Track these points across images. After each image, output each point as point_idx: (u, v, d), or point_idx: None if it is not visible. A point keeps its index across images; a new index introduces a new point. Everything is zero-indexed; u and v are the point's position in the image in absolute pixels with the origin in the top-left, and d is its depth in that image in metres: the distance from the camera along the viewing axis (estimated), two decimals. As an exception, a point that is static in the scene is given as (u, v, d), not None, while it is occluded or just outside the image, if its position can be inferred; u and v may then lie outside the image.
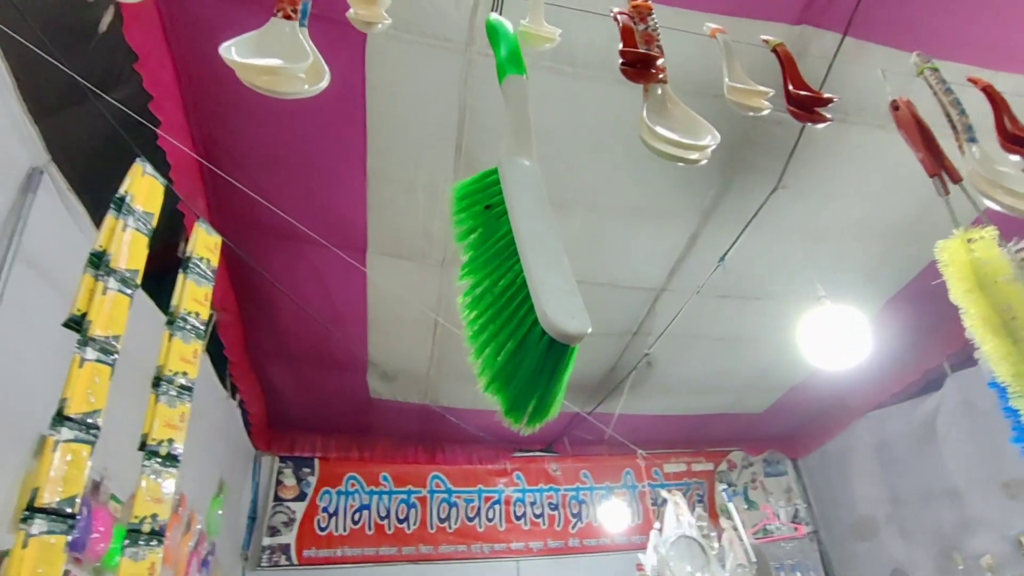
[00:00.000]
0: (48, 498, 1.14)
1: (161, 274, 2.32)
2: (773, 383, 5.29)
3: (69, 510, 1.18)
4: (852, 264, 3.76)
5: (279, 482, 5.40)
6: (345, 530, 5.39)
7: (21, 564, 1.10)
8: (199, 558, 3.48)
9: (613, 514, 5.67)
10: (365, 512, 5.50)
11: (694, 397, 5.40)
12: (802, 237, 3.54)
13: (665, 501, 4.25)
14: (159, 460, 1.61)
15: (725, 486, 5.43)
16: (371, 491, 5.60)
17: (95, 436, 1.33)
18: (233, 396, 4.16)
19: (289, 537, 5.23)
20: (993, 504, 4.51)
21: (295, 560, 5.18)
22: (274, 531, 5.22)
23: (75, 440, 1.24)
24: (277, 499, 5.34)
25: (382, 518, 5.51)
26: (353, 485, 5.57)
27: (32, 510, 1.13)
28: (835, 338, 3.08)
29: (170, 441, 1.66)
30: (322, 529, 5.35)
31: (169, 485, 1.73)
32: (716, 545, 4.00)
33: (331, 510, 5.43)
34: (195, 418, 3.36)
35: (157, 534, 1.54)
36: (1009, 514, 4.40)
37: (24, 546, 1.11)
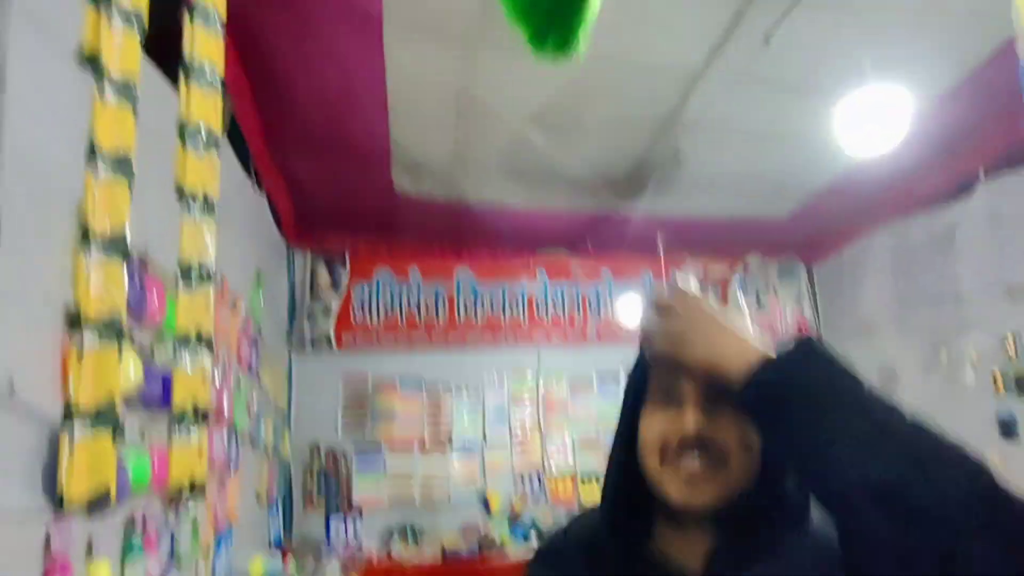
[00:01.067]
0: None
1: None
2: (801, 186, 5.23)
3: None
4: (905, 54, 3.54)
5: (314, 276, 5.71)
6: (379, 321, 5.79)
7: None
8: (248, 338, 3.77)
9: (628, 308, 5.93)
10: (396, 304, 5.86)
11: (719, 198, 5.36)
12: (856, 19, 3.28)
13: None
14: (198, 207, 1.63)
15: (738, 281, 5.60)
16: (401, 285, 5.91)
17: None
18: (260, 188, 4.23)
19: (327, 326, 5.66)
20: (992, 306, 4.70)
21: (335, 346, 5.66)
22: (314, 320, 5.64)
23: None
24: (313, 291, 5.69)
25: (412, 309, 5.89)
26: (384, 278, 5.88)
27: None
28: (874, 122, 2.99)
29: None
30: (357, 319, 5.75)
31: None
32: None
33: (364, 302, 5.78)
34: (226, 208, 3.48)
35: (204, 278, 1.60)
36: (1005, 316, 4.60)
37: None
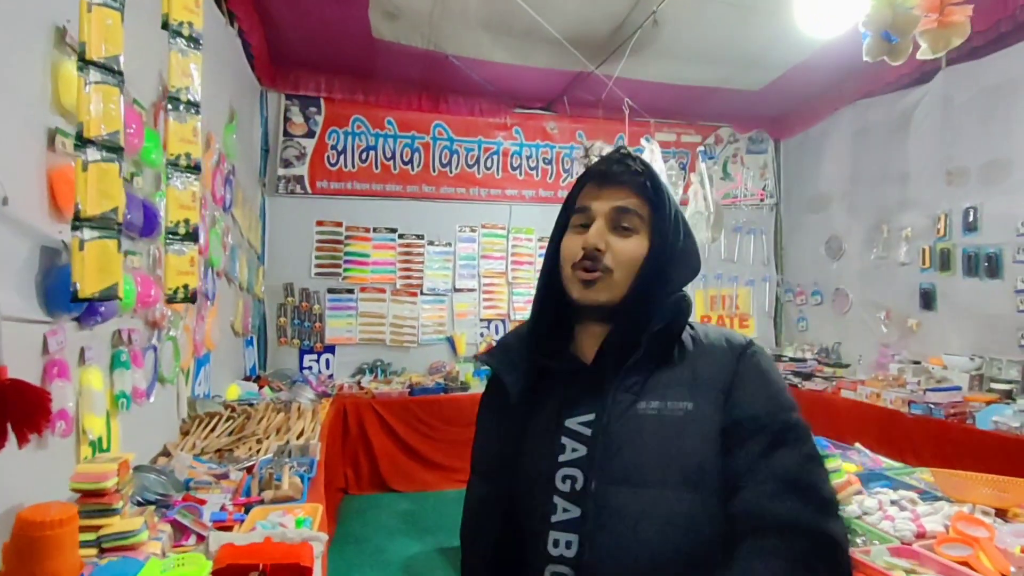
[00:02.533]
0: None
1: None
2: (776, 60, 5.24)
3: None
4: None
5: (287, 119, 5.64)
6: (354, 167, 5.82)
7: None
8: (222, 175, 3.83)
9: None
10: (372, 152, 5.87)
11: (696, 66, 5.36)
12: None
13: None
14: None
15: (703, 150, 5.70)
16: (377, 133, 5.87)
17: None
18: (232, 24, 4.11)
19: (302, 169, 5.68)
20: (932, 188, 5.03)
21: (309, 190, 5.70)
22: (287, 163, 5.64)
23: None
24: (287, 134, 5.64)
25: (388, 159, 5.91)
26: (359, 127, 5.83)
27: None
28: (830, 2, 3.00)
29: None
30: (332, 164, 5.76)
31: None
32: (679, 192, 4.48)
33: (339, 148, 5.78)
34: (200, 42, 3.42)
35: (191, 108, 1.67)
36: (940, 197, 4.93)
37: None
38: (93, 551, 1.55)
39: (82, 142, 1.20)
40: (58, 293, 1.82)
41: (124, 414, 2.36)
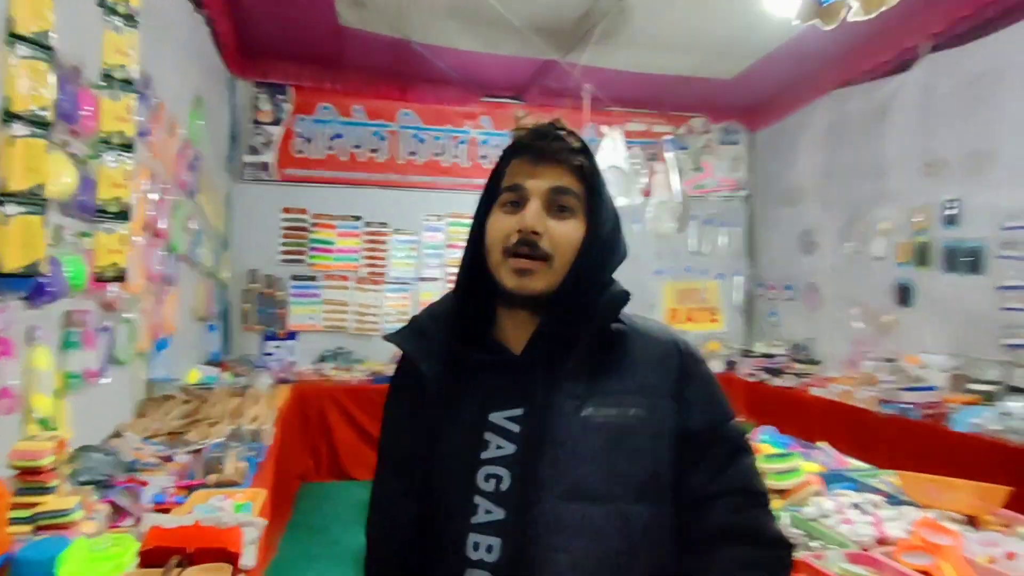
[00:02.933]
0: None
1: None
2: (749, 48, 5.19)
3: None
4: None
5: (256, 107, 5.64)
6: (321, 155, 5.83)
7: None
8: (186, 160, 3.83)
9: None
10: (339, 140, 5.88)
11: (665, 54, 5.34)
12: None
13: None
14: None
15: (670, 138, 5.70)
16: (344, 122, 5.89)
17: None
18: (199, 9, 4.10)
19: (268, 157, 5.68)
20: (909, 180, 4.90)
21: (276, 177, 5.72)
22: (254, 150, 5.65)
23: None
24: (255, 122, 5.64)
25: (355, 147, 5.92)
26: (327, 115, 5.84)
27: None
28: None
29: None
30: (299, 152, 5.77)
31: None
32: (644, 181, 4.57)
33: (306, 136, 5.79)
34: (161, 31, 3.41)
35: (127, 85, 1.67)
36: (919, 190, 4.80)
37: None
38: (28, 528, 1.58)
39: (9, 117, 1.22)
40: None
41: (75, 394, 2.38)
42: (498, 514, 0.91)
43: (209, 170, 4.60)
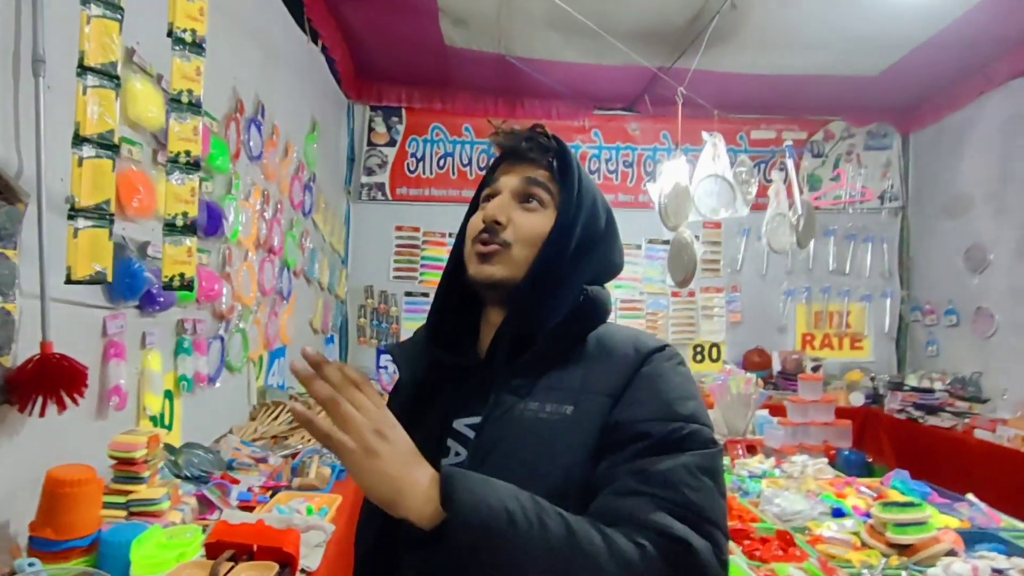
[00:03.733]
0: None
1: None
2: (899, 37, 4.55)
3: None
4: None
5: (371, 129, 5.93)
6: (432, 174, 6.01)
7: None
8: (301, 182, 4.07)
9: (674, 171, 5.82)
10: (449, 159, 6.03)
11: (794, 54, 4.88)
12: None
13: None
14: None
15: (790, 143, 5.25)
16: (454, 140, 6.04)
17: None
18: (315, 42, 4.37)
19: (383, 177, 5.94)
20: None
21: (389, 196, 5.96)
22: (370, 171, 5.93)
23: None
24: (370, 143, 5.93)
25: (464, 165, 6.06)
26: (438, 135, 6.02)
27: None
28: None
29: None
30: (411, 172, 5.99)
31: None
32: (751, 190, 4.25)
33: (419, 155, 6.00)
34: (280, 59, 3.66)
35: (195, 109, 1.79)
36: None
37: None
38: (122, 513, 1.71)
39: (79, 140, 1.35)
40: (120, 283, 2.03)
41: (187, 396, 2.57)
42: None
43: (326, 190, 4.87)
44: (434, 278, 5.96)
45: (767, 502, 2.48)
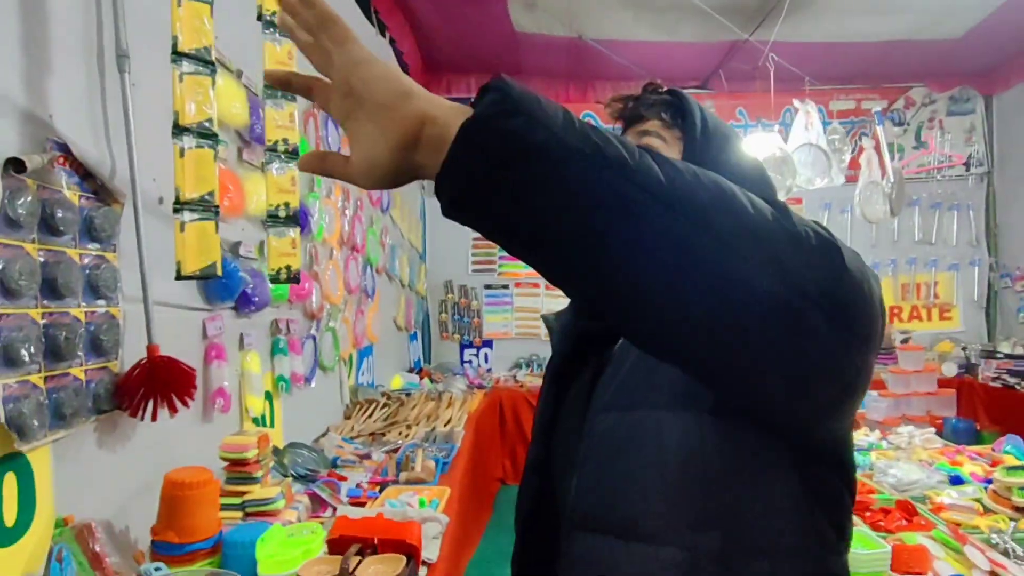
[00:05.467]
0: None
1: None
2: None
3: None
4: None
5: (443, 121, 5.90)
6: (505, 164, 5.94)
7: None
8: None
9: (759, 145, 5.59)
10: (523, 148, 5.95)
11: (873, 19, 4.71)
12: None
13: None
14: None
15: (879, 110, 4.97)
16: (527, 128, 5.95)
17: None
18: (383, 34, 4.35)
19: (457, 168, 5.92)
20: None
21: (464, 189, 5.93)
22: (442, 165, 5.91)
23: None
24: (443, 137, 5.90)
25: (537, 154, 5.96)
26: (512, 123, 5.95)
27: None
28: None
29: None
30: (485, 163, 5.94)
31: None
32: (846, 160, 4.03)
33: (491, 147, 5.94)
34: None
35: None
36: None
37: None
38: (238, 514, 1.69)
39: (178, 129, 1.31)
40: (216, 284, 2.02)
41: (285, 396, 2.57)
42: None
43: (402, 188, 4.86)
44: (513, 269, 5.94)
45: (881, 473, 2.41)
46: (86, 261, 1.44)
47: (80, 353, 1.41)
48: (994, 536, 1.76)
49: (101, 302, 1.47)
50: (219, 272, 1.39)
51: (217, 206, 1.38)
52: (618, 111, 1.01)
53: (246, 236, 2.23)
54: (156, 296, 1.57)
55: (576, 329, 0.96)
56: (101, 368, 1.48)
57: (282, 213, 1.59)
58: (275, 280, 1.63)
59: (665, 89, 0.99)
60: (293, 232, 1.61)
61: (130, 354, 1.57)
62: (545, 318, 1.06)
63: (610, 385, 0.84)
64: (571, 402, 0.92)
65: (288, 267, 1.60)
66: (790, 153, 3.79)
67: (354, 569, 1.25)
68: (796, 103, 3.95)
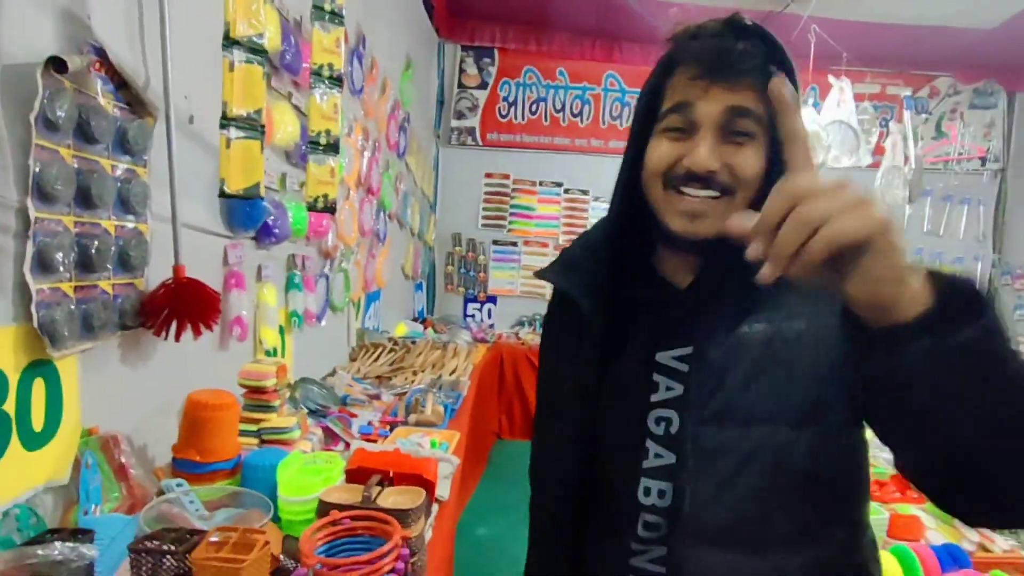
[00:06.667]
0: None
1: None
2: None
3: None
4: None
5: (462, 70, 5.79)
6: (523, 119, 5.86)
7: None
8: (396, 122, 3.99)
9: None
10: (542, 104, 5.87)
11: (910, 1, 4.63)
12: None
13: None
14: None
15: (908, 94, 4.91)
16: (547, 84, 5.86)
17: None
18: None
19: (473, 121, 5.82)
20: None
21: (479, 141, 5.85)
22: (460, 115, 5.81)
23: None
24: (461, 86, 5.79)
25: (557, 111, 5.88)
26: (531, 78, 5.85)
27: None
28: None
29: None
30: (503, 116, 5.85)
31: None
32: (871, 140, 4.02)
33: (510, 99, 5.84)
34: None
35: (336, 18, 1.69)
36: None
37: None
38: (255, 440, 1.70)
39: (229, 42, 1.26)
40: (240, 212, 2.00)
41: (297, 332, 2.56)
42: (669, 459, 0.85)
43: (418, 133, 4.79)
44: (523, 227, 5.91)
45: (878, 448, 2.42)
46: (118, 173, 1.41)
47: (109, 267, 1.39)
48: (982, 508, 1.83)
49: (131, 217, 1.45)
50: (262, 193, 1.36)
51: (263, 125, 1.34)
52: (704, 55, 0.82)
53: (269, 167, 2.19)
54: (183, 218, 1.55)
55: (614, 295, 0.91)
56: (127, 284, 1.47)
57: (323, 140, 1.56)
58: (312, 208, 1.60)
59: (767, 39, 0.83)
60: (333, 161, 1.58)
61: (155, 273, 1.55)
62: (546, 277, 0.98)
63: (716, 392, 0.82)
64: (626, 377, 0.90)
65: (326, 196, 1.57)
66: (819, 129, 3.74)
67: (376, 498, 1.25)
68: (831, 79, 3.88)
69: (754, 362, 0.81)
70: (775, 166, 0.80)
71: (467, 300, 5.86)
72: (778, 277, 0.71)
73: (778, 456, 0.79)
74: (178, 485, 1.33)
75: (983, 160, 6.08)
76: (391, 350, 3.38)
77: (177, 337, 1.54)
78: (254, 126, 1.33)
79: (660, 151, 0.84)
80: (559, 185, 5.93)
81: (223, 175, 1.31)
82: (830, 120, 3.80)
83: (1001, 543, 1.69)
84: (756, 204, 0.76)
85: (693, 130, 0.82)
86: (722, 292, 0.84)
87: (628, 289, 0.92)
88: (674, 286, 0.91)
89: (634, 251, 0.94)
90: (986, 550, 1.66)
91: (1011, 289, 5.91)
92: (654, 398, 0.87)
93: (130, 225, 1.45)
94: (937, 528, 1.78)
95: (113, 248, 1.39)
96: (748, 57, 0.80)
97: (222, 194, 1.33)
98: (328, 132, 1.58)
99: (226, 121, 1.29)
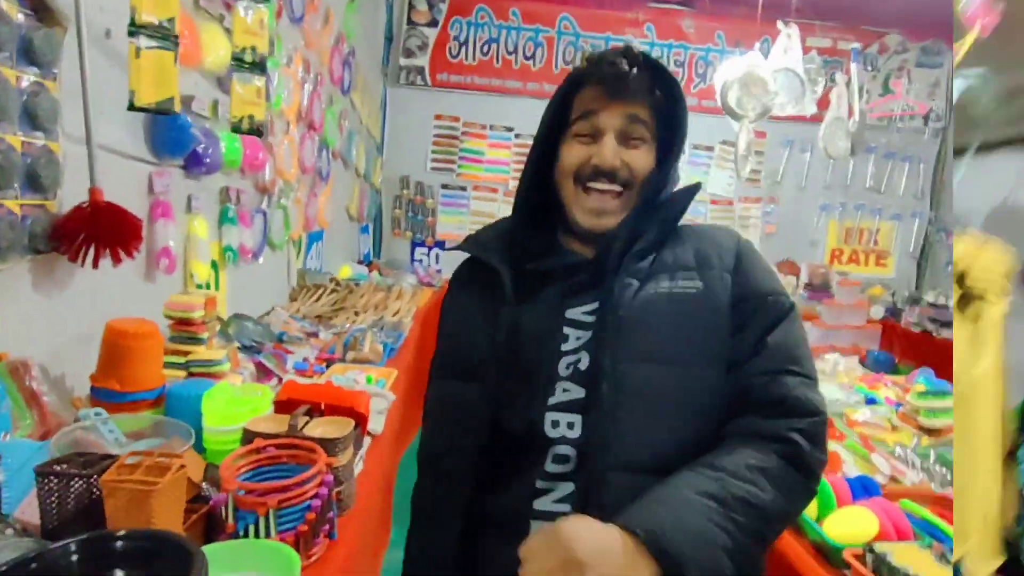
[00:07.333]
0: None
1: None
2: None
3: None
4: None
5: (412, 6, 5.59)
6: (474, 60, 5.72)
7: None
8: (340, 56, 3.84)
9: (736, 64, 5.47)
10: (494, 45, 5.72)
11: None
12: None
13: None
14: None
15: (857, 46, 4.96)
16: (500, 25, 5.71)
17: None
18: None
19: (423, 60, 5.66)
20: None
21: (429, 81, 5.69)
22: (409, 53, 5.63)
23: None
24: (410, 22, 5.60)
25: (509, 53, 5.75)
26: (483, 17, 5.69)
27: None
28: None
29: None
30: (453, 56, 5.69)
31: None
32: (817, 90, 4.07)
33: (461, 39, 5.68)
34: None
35: None
36: None
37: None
38: (182, 372, 1.65)
39: None
40: (166, 136, 1.89)
41: (232, 268, 2.48)
42: (576, 393, 0.94)
43: (364, 69, 4.62)
44: (473, 171, 5.82)
45: None
46: (24, 85, 1.31)
47: (16, 185, 1.31)
48: (898, 448, 1.96)
49: (39, 133, 1.36)
50: (177, 108, 1.29)
51: (177, 36, 1.26)
52: (609, 76, 0.99)
53: (200, 91, 2.08)
54: (100, 139, 1.46)
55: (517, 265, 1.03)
56: (38, 205, 1.38)
57: (248, 58, 1.47)
58: (236, 129, 1.52)
59: (657, 67, 1.02)
60: (259, 80, 1.50)
61: (70, 196, 1.46)
62: (469, 249, 1.10)
63: (633, 334, 0.93)
64: (535, 333, 0.99)
65: (251, 116, 1.49)
66: (767, 75, 3.75)
67: (302, 428, 1.23)
68: (780, 25, 3.88)
69: (662, 314, 0.94)
70: (661, 164, 1.02)
71: (414, 244, 5.79)
72: (663, 245, 1.00)
73: (690, 392, 0.92)
74: (96, 414, 1.28)
75: (926, 118, 6.21)
76: (333, 291, 3.33)
77: (95, 264, 1.47)
78: (166, 35, 1.24)
79: (572, 153, 1.02)
80: (510, 130, 5.84)
81: (132, 86, 1.23)
82: (778, 67, 3.81)
83: (912, 476, 1.79)
84: (646, 194, 1.01)
85: (598, 136, 1.00)
86: (624, 260, 0.98)
87: (537, 261, 1.04)
88: (582, 255, 1.05)
89: (539, 239, 1.08)
90: (897, 482, 1.75)
91: (944, 245, 6.08)
92: (564, 347, 0.97)
93: (39, 142, 1.36)
94: (854, 463, 1.87)
95: (20, 165, 1.31)
96: (639, 80, 0.99)
97: (131, 107, 1.24)
98: (254, 49, 1.50)
99: (135, 28, 1.20)
